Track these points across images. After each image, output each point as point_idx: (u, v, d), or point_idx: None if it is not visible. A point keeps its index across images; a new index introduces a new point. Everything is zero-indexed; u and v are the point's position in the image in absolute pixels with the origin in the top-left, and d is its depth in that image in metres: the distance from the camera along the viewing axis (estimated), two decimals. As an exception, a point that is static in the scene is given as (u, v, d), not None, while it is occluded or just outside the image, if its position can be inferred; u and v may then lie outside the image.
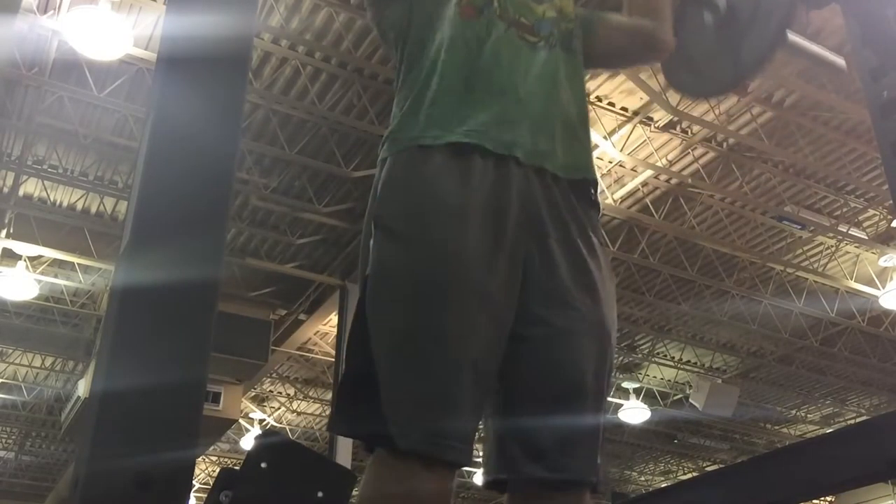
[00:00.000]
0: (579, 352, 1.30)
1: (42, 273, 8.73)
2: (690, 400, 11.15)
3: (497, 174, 1.29)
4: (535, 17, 1.44)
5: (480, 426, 1.28)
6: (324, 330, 10.28)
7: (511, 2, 1.43)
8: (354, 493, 1.18)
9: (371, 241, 1.28)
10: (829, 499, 12.34)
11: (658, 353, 11.17)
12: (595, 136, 7.01)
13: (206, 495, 1.13)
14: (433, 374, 1.16)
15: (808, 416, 12.96)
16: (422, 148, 1.31)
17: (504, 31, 1.39)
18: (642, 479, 15.82)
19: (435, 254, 1.22)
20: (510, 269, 1.26)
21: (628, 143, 7.31)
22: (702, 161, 7.67)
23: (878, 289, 9.02)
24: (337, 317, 8.99)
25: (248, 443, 12.41)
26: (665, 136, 7.39)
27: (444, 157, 1.29)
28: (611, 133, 7.16)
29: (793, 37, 1.72)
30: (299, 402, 12.42)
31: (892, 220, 8.36)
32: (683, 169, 7.77)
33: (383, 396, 1.15)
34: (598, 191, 1.44)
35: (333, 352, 9.70)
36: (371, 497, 1.16)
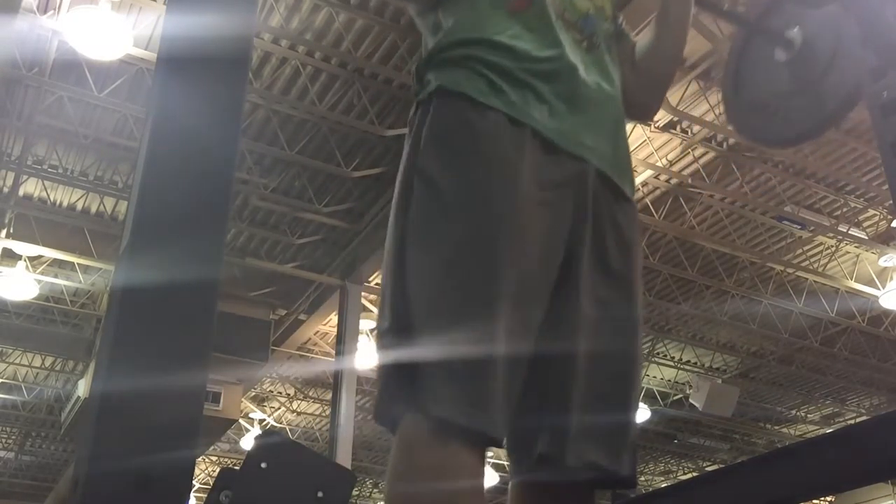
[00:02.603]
0: (620, 342, 1.28)
1: (42, 273, 8.73)
2: (690, 400, 11.15)
3: (548, 156, 1.26)
4: (579, 13, 1.39)
5: None
6: (324, 330, 10.28)
7: None
8: (355, 492, 1.18)
9: (411, 194, 1.22)
10: (829, 499, 12.34)
11: (658, 353, 11.18)
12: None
13: (206, 495, 1.13)
14: (475, 342, 1.11)
15: (808, 416, 12.96)
16: (478, 104, 1.25)
17: (556, 22, 1.34)
18: (642, 479, 15.82)
19: (486, 219, 1.18)
20: (554, 251, 1.23)
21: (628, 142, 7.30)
22: (702, 161, 7.67)
23: (878, 289, 9.03)
24: (337, 317, 8.99)
25: (248, 443, 12.41)
26: (665, 136, 7.39)
27: (501, 121, 1.24)
28: (611, 133, 7.16)
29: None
30: (299, 402, 12.42)
31: (892, 220, 8.36)
32: (683, 169, 7.77)
33: (420, 363, 1.10)
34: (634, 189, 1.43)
35: (333, 351, 9.70)
36: (399, 469, 1.10)
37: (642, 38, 1.59)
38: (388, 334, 1.19)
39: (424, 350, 1.11)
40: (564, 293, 1.24)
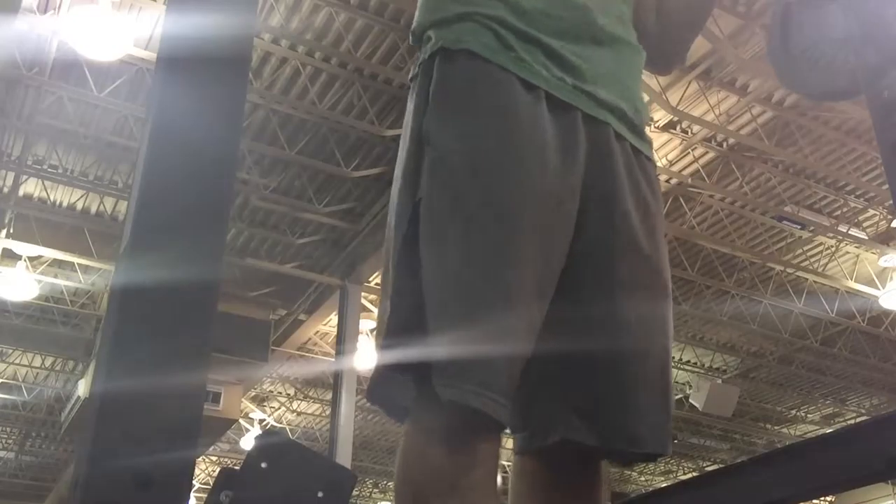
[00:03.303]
0: (650, 316, 1.20)
1: (42, 273, 8.73)
2: (690, 400, 11.15)
3: (567, 119, 1.19)
4: None
5: None
6: (324, 330, 10.28)
7: None
8: (355, 492, 1.18)
9: (420, 161, 1.15)
10: (829, 499, 12.34)
11: (658, 353, 11.17)
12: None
13: (206, 495, 1.13)
14: (491, 321, 1.06)
15: (808, 416, 12.97)
16: (487, 62, 1.17)
17: None
18: (642, 479, 15.83)
19: (508, 192, 1.11)
20: (568, 218, 1.17)
21: None
22: (702, 161, 7.68)
23: (878, 289, 9.03)
24: (337, 317, 9.00)
25: (248, 443, 12.41)
26: (665, 136, 7.39)
27: (514, 81, 1.17)
28: (611, 133, 7.16)
29: None
30: (299, 402, 12.42)
31: (892, 220, 8.36)
32: (683, 169, 7.77)
33: (431, 341, 1.05)
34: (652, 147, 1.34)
35: (333, 351, 9.70)
36: (411, 454, 1.08)
37: None
38: (397, 315, 1.12)
39: (438, 335, 1.06)
40: (588, 271, 1.17)
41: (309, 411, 12.72)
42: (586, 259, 1.17)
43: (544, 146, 1.15)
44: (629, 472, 15.52)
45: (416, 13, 1.31)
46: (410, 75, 1.27)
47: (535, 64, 1.19)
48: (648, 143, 1.30)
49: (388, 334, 1.12)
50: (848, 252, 9.01)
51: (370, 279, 8.87)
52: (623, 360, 1.18)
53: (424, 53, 1.24)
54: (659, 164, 7.50)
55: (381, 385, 1.14)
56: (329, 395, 11.53)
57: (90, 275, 8.96)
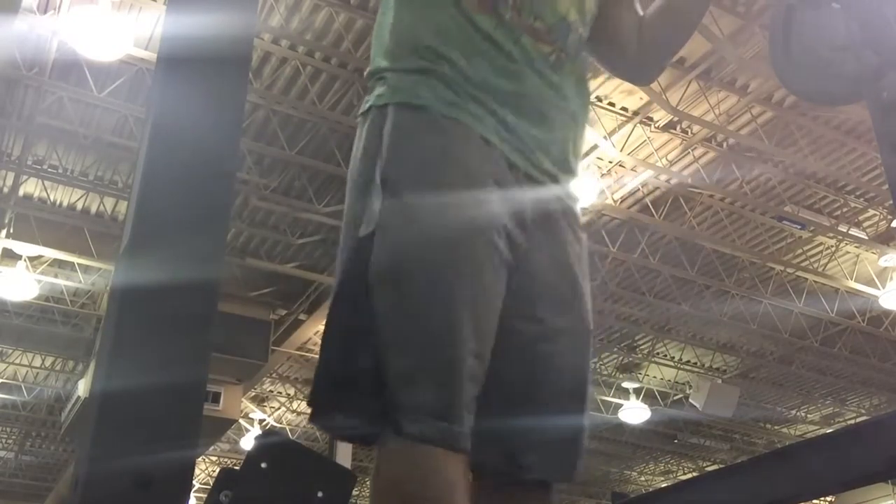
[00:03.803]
0: (568, 351, 1.28)
1: (42, 273, 8.73)
2: (690, 400, 11.15)
3: (513, 176, 1.25)
4: (556, 17, 1.31)
5: None
6: (324, 330, 10.27)
7: None
8: (355, 492, 1.18)
9: (374, 200, 1.18)
10: (829, 499, 12.34)
11: (658, 353, 11.18)
12: (595, 136, 7.01)
13: (206, 495, 1.13)
14: (449, 357, 1.11)
15: (808, 416, 12.97)
16: (445, 116, 1.22)
17: (521, 38, 1.28)
18: (642, 479, 15.82)
19: (459, 231, 1.16)
20: (508, 268, 1.23)
21: (628, 143, 7.31)
22: (702, 161, 7.67)
23: (878, 289, 9.03)
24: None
25: (248, 443, 12.41)
26: (665, 136, 7.39)
27: (472, 135, 1.22)
28: (611, 133, 7.16)
29: None
30: (299, 402, 12.42)
31: (892, 220, 8.36)
32: (683, 169, 7.77)
33: (389, 375, 1.09)
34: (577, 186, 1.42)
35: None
36: (383, 488, 1.11)
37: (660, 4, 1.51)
38: (340, 362, 1.16)
39: (396, 366, 1.11)
40: (514, 313, 1.23)
41: (309, 411, 12.71)
42: (513, 300, 1.23)
43: (494, 198, 1.21)
44: (629, 472, 15.53)
45: (374, 55, 1.34)
46: (361, 110, 1.30)
47: (490, 126, 1.24)
48: (577, 199, 1.38)
49: (328, 386, 1.17)
50: (848, 252, 9.01)
51: (370, 279, 8.86)
52: (530, 391, 1.25)
53: (381, 99, 1.26)
54: (659, 164, 7.50)
55: (323, 416, 1.19)
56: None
57: (90, 275, 8.96)
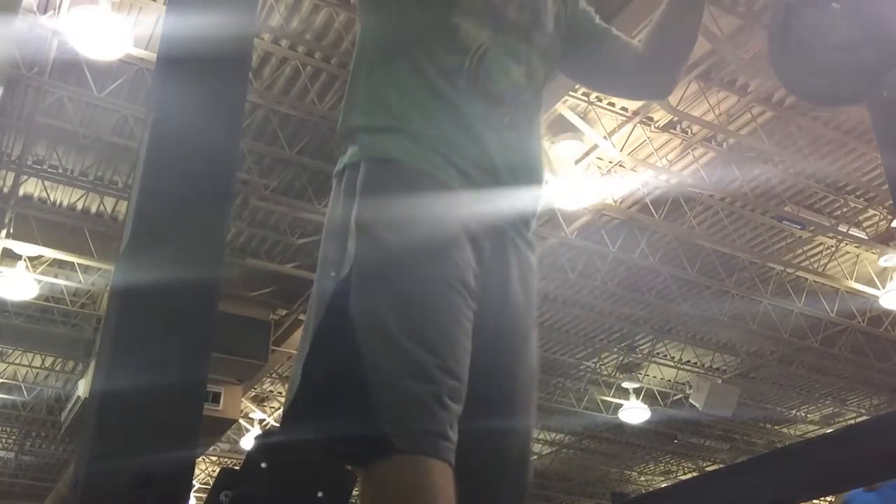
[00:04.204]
0: (514, 355, 1.38)
1: (42, 273, 8.73)
2: (690, 400, 11.15)
3: (477, 223, 1.35)
4: (510, 82, 1.43)
5: None
6: (324, 330, 10.27)
7: (486, 63, 1.40)
8: (354, 492, 1.18)
9: (350, 244, 1.27)
10: (829, 499, 12.34)
11: (658, 353, 11.18)
12: (595, 136, 7.02)
13: (206, 495, 1.13)
14: (431, 375, 1.16)
15: (808, 416, 12.96)
16: (413, 169, 1.32)
17: (475, 102, 1.38)
18: (642, 479, 15.82)
19: (431, 266, 1.25)
20: (474, 298, 1.31)
21: (628, 143, 7.31)
22: (702, 161, 7.67)
23: (878, 289, 9.02)
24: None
25: (248, 443, 12.42)
26: (665, 136, 7.39)
27: (428, 179, 1.32)
28: (611, 133, 7.16)
29: None
30: (299, 402, 12.41)
31: (892, 220, 8.36)
32: (683, 169, 7.77)
33: (374, 398, 1.14)
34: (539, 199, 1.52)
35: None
36: (375, 500, 1.14)
37: (656, 19, 1.63)
38: (322, 382, 1.22)
39: (380, 384, 1.16)
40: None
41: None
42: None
43: (462, 242, 1.30)
44: (629, 472, 15.53)
45: (343, 116, 1.47)
46: (336, 171, 1.43)
47: (450, 173, 1.34)
48: (534, 244, 1.49)
49: (312, 405, 1.22)
50: (848, 252, 9.01)
51: (370, 279, 8.86)
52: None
53: (353, 157, 1.38)
54: (659, 164, 7.50)
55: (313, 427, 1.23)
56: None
57: (90, 275, 8.96)
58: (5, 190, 7.80)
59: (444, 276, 1.25)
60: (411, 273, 1.24)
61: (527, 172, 1.44)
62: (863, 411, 12.50)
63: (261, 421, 12.62)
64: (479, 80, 1.39)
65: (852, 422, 11.85)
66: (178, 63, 1.17)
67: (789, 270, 9.15)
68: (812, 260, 9.00)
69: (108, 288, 7.82)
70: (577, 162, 7.34)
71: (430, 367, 1.17)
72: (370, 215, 1.29)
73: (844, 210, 8.29)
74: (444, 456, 1.13)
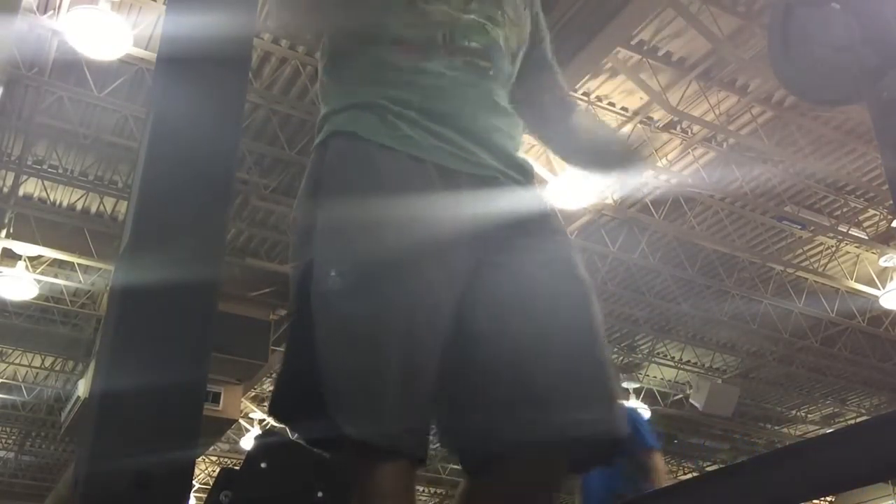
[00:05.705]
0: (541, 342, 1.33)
1: (42, 273, 8.73)
2: (690, 400, 11.15)
3: (453, 183, 1.31)
4: (489, 39, 1.40)
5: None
6: (324, 330, 10.26)
7: (461, 26, 1.37)
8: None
9: (315, 232, 1.25)
10: (829, 499, 12.34)
11: (658, 353, 11.17)
12: (595, 136, 7.00)
13: (206, 495, 1.13)
14: (390, 377, 1.15)
15: (808, 416, 12.96)
16: (374, 143, 1.29)
17: (452, 68, 1.36)
18: (642, 479, 15.81)
19: (389, 245, 1.22)
20: (457, 275, 1.27)
21: (628, 143, 7.29)
22: (702, 161, 7.67)
23: (878, 289, 9.02)
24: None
25: (248, 443, 12.40)
26: (665, 136, 7.39)
27: (402, 158, 1.29)
28: (611, 133, 7.15)
29: None
30: (299, 402, 12.41)
31: (892, 220, 8.36)
32: (683, 169, 7.77)
33: (335, 399, 1.14)
34: (536, 182, 1.47)
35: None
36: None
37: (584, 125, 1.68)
38: (294, 381, 1.22)
39: (340, 386, 1.15)
40: (479, 308, 1.27)
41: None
42: (477, 301, 1.29)
43: (437, 210, 1.27)
44: (629, 472, 15.51)
45: (320, 103, 1.44)
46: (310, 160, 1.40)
47: (423, 141, 1.30)
48: (535, 181, 1.44)
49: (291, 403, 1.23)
50: (848, 252, 9.01)
51: (370, 279, 8.85)
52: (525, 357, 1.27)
53: (321, 136, 1.36)
54: (659, 164, 7.50)
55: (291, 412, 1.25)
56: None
57: (90, 275, 8.95)
58: (5, 190, 7.80)
59: (419, 269, 1.22)
60: (367, 253, 1.22)
61: (507, 119, 1.41)
62: (863, 411, 12.50)
63: (261, 421, 12.61)
64: (456, 38, 1.36)
65: (852, 422, 11.84)
66: (178, 63, 1.17)
67: (789, 270, 9.15)
68: (812, 260, 9.00)
69: (108, 288, 7.82)
70: (577, 162, 7.33)
71: (399, 365, 1.16)
72: (332, 196, 1.27)
73: (844, 210, 8.29)
74: (406, 451, 1.15)
